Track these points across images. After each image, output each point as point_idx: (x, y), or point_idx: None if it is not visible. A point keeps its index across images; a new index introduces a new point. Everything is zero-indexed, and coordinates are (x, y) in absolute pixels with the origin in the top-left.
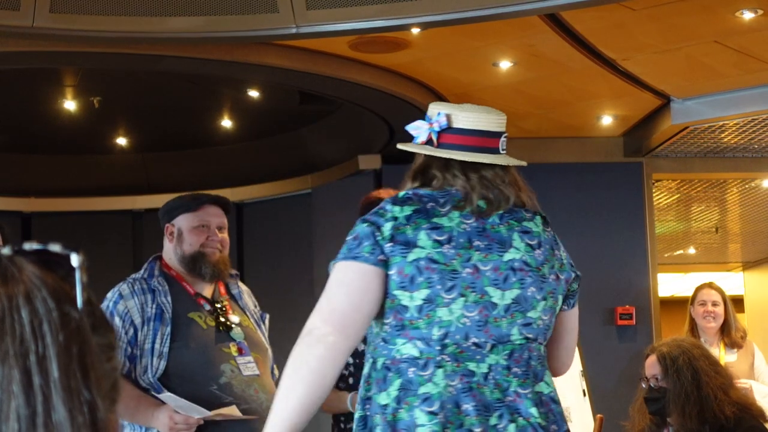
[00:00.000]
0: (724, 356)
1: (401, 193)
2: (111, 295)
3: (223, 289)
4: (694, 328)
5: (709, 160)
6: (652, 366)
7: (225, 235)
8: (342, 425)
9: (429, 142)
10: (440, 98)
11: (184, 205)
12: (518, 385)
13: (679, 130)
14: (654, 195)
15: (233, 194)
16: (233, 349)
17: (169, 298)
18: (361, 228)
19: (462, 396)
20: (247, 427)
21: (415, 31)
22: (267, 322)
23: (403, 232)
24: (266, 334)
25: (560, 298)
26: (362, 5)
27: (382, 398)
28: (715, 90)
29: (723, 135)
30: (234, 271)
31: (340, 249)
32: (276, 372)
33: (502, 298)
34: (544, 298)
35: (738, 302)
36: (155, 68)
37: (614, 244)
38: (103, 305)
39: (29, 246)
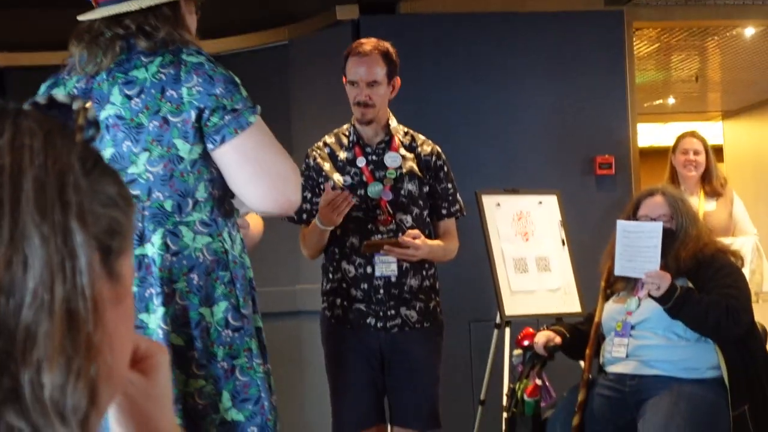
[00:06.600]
0: (704, 205)
1: None
2: None
3: None
4: (674, 176)
5: (690, 7)
6: (658, 206)
7: None
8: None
9: None
10: None
11: None
12: None
13: None
14: (634, 44)
15: (209, 45)
16: None
17: None
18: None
19: None
20: None
21: None
22: None
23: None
24: None
25: (179, 141)
26: None
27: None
28: None
29: None
30: None
31: (318, 101)
32: None
33: None
34: (146, 149)
35: (718, 152)
36: None
37: (594, 93)
38: None
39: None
